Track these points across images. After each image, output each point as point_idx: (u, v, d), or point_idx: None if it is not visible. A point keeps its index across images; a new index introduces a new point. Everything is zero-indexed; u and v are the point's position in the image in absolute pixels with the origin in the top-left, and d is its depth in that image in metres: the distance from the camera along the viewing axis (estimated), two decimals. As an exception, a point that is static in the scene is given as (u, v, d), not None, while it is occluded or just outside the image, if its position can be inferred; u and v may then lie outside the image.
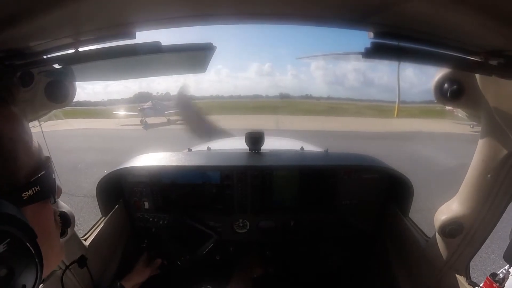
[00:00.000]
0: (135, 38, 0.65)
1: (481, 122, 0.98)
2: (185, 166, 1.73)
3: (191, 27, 0.68)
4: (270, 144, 2.09)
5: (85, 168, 7.66)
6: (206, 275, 1.82)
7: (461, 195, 1.12)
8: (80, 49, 0.67)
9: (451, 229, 1.13)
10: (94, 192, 1.65)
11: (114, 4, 0.57)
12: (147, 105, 23.25)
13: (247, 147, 1.94)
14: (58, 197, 0.61)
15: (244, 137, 1.93)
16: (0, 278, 0.43)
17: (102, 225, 1.58)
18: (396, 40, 0.65)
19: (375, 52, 0.63)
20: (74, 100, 1.06)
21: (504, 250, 1.05)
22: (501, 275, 1.07)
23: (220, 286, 1.63)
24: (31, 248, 0.46)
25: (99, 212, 1.67)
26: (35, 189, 0.51)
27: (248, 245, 1.91)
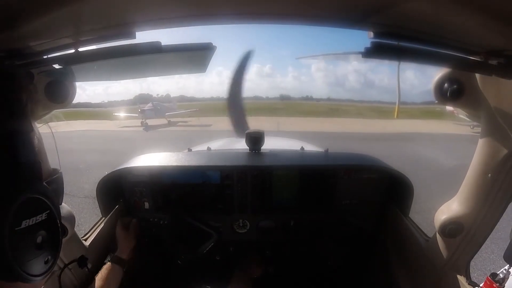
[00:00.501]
0: (135, 38, 0.65)
1: (481, 122, 0.98)
2: (185, 166, 1.73)
3: (191, 27, 0.68)
4: (270, 144, 2.09)
5: (86, 169, 7.67)
6: (206, 275, 1.82)
7: (461, 195, 1.12)
8: (80, 49, 0.67)
9: (451, 229, 1.13)
10: (95, 193, 1.65)
11: (114, 4, 0.58)
12: (147, 106, 23.32)
13: (247, 147, 1.94)
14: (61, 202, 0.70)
15: (244, 137, 1.93)
16: (36, 244, 0.50)
17: (102, 225, 1.58)
18: (396, 40, 0.65)
19: (375, 52, 0.63)
20: (75, 101, 1.06)
21: (504, 250, 1.05)
22: (501, 275, 1.06)
23: (220, 286, 1.63)
24: (59, 226, 0.56)
25: (100, 212, 1.67)
26: (54, 186, 0.61)
27: (248, 245, 1.90)
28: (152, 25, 0.66)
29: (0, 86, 0.51)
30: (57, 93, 0.98)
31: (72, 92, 1.02)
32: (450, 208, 1.14)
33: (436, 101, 1.02)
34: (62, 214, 0.73)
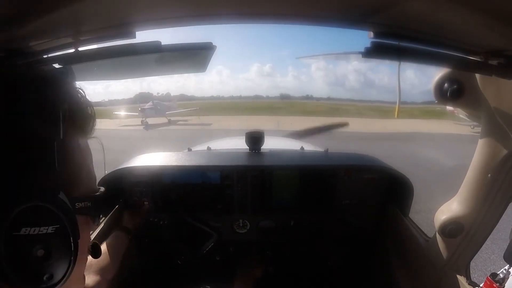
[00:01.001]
0: (135, 37, 0.65)
1: (481, 122, 0.98)
2: (185, 166, 1.73)
3: (191, 26, 0.68)
4: (270, 144, 2.08)
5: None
6: (206, 275, 1.82)
7: (461, 195, 1.12)
8: (80, 49, 0.67)
9: (451, 229, 1.12)
10: None
11: (114, 4, 0.58)
12: (148, 105, 23.28)
13: (247, 147, 1.93)
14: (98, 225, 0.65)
15: (244, 137, 1.93)
16: (36, 257, 0.46)
17: (102, 225, 1.58)
18: (396, 40, 0.65)
19: (375, 51, 0.64)
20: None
21: (504, 250, 1.05)
22: (501, 275, 1.07)
23: (220, 286, 1.63)
24: (72, 244, 0.50)
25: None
26: (87, 203, 0.55)
27: (248, 245, 1.90)
28: (152, 25, 0.66)
29: (37, 89, 0.49)
30: None
31: None
32: (450, 208, 1.14)
33: (436, 101, 1.02)
34: (93, 244, 0.71)
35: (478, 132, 1.02)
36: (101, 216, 0.62)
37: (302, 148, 2.67)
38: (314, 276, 1.94)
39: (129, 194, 1.78)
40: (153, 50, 0.66)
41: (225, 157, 1.96)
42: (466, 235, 1.12)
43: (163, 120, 22.83)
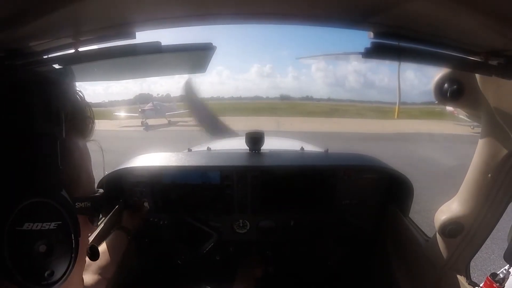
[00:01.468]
0: (135, 38, 0.65)
1: (481, 122, 0.98)
2: (185, 166, 1.73)
3: (191, 27, 0.68)
4: (270, 144, 2.08)
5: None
6: (206, 275, 1.82)
7: (461, 195, 1.12)
8: (80, 49, 0.67)
9: (451, 229, 1.13)
10: None
11: (114, 4, 0.58)
12: (147, 106, 23.31)
13: (247, 147, 1.94)
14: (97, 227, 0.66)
15: (244, 137, 1.93)
16: (38, 252, 0.46)
17: (102, 225, 1.58)
18: (396, 40, 0.65)
19: (375, 52, 0.63)
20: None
21: (504, 250, 1.05)
22: (501, 275, 1.06)
23: (220, 286, 1.63)
24: (73, 241, 0.50)
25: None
26: (86, 204, 0.56)
27: (248, 245, 1.91)
28: (152, 25, 0.66)
29: (40, 89, 0.50)
30: None
31: None
32: (450, 208, 1.14)
33: (436, 102, 1.02)
34: (92, 247, 0.72)
35: (478, 132, 1.02)
36: (100, 217, 0.62)
37: (302, 148, 2.67)
38: (314, 276, 1.94)
39: (129, 194, 1.78)
40: (153, 51, 0.66)
41: (225, 157, 1.97)
42: (466, 235, 1.12)
43: (163, 121, 22.82)
